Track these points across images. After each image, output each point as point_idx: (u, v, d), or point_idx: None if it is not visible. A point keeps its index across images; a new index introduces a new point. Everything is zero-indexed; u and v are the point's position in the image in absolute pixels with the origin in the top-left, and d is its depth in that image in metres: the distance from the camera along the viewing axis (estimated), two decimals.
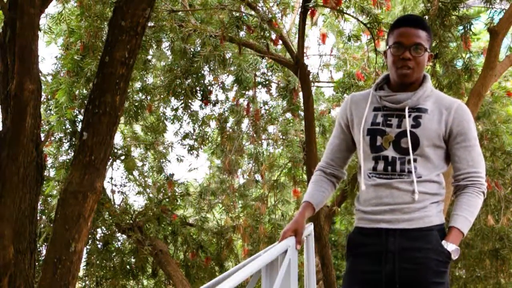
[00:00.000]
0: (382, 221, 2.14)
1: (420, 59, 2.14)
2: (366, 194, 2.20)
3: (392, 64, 2.17)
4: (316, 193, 2.35)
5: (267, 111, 8.28)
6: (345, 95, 7.60)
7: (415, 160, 2.13)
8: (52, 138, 7.66)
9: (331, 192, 2.40)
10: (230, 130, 8.42)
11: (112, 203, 8.31)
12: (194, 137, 8.60)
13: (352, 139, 2.31)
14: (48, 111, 7.66)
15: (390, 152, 2.15)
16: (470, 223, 2.15)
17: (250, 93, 8.01)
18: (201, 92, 7.93)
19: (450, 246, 2.10)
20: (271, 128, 8.54)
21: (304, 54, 6.94)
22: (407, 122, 2.13)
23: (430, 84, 2.22)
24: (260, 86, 8.09)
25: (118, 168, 8.97)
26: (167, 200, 8.57)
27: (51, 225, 6.21)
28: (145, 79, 8.13)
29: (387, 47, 2.22)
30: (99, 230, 8.18)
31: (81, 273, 7.48)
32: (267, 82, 8.08)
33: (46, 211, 7.71)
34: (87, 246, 7.78)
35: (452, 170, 2.25)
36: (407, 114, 2.15)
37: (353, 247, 2.23)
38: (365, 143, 2.20)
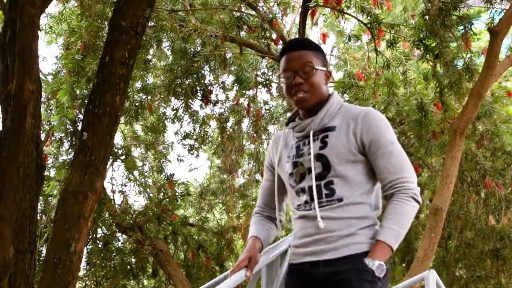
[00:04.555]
0: (307, 254, 2.04)
1: (313, 79, 2.05)
2: (295, 229, 2.13)
3: (287, 92, 2.10)
4: (260, 227, 2.22)
5: (268, 111, 8.28)
6: (345, 95, 7.60)
7: (331, 183, 2.01)
8: (53, 138, 7.66)
9: (275, 231, 2.27)
10: (231, 130, 8.42)
11: (112, 203, 8.30)
12: (194, 137, 8.60)
13: (281, 179, 2.20)
14: (49, 111, 7.66)
15: (306, 182, 2.06)
16: (397, 233, 1.96)
17: (251, 93, 8.02)
18: (202, 92, 7.92)
19: (372, 263, 1.92)
20: (271, 128, 8.55)
21: None
22: (311, 147, 2.05)
23: (336, 101, 2.11)
24: (260, 86, 8.09)
25: (118, 168, 8.98)
26: (167, 200, 8.56)
27: (51, 225, 6.20)
28: (145, 79, 8.13)
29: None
30: (99, 230, 8.18)
31: (81, 273, 7.48)
32: (267, 82, 8.08)
33: (46, 211, 7.70)
34: (87, 246, 7.78)
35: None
36: (311, 139, 2.06)
37: None
38: (285, 180, 2.15)
